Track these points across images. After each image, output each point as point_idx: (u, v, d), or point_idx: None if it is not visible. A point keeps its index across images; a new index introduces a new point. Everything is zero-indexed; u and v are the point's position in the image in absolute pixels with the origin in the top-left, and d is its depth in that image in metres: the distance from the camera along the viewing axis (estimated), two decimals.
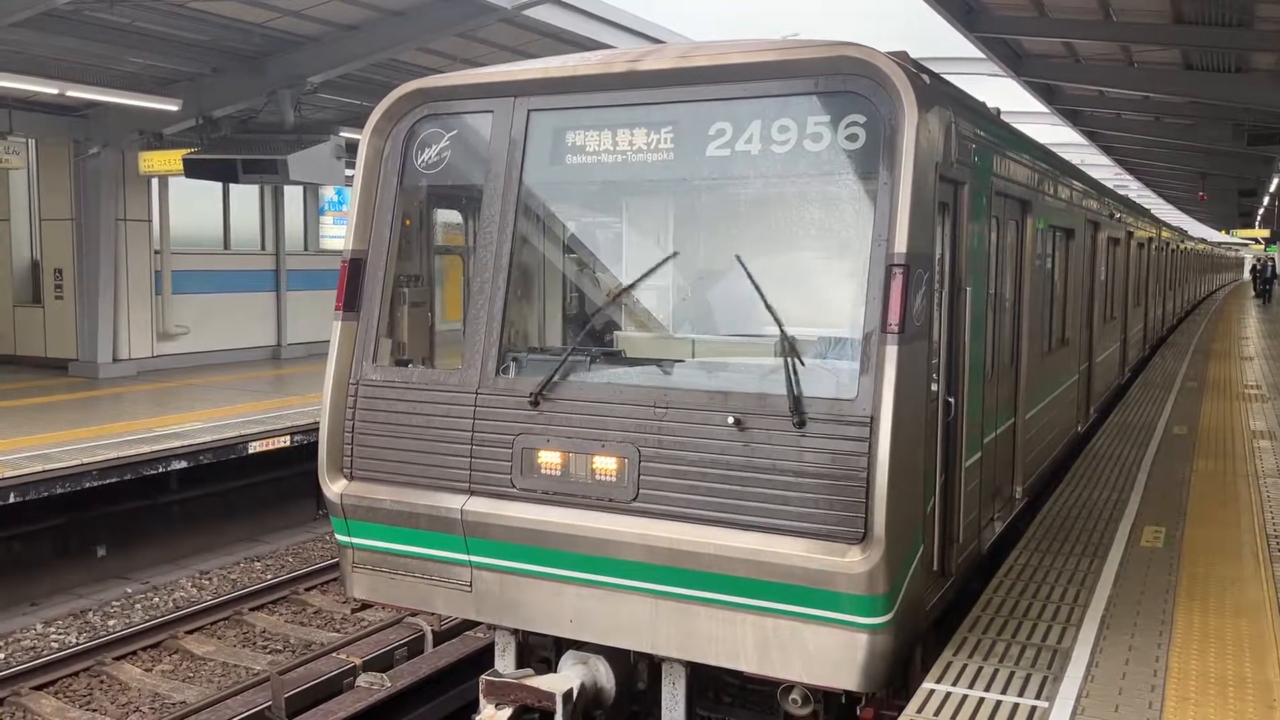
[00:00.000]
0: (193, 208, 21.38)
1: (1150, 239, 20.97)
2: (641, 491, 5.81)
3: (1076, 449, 11.93)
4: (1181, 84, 19.16)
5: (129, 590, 12.79)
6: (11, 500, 11.29)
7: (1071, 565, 7.48)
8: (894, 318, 5.30)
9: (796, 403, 5.45)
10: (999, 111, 8.31)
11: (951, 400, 6.45)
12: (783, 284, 6.30)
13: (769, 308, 5.77)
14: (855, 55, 5.54)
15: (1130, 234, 17.08)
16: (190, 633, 11.15)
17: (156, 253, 20.26)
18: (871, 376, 5.31)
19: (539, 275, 7.56)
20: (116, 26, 14.82)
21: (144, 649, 10.75)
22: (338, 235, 24.47)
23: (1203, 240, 56.66)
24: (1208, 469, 10.70)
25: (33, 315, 20.54)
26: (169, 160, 17.77)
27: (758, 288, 5.87)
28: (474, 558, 6.36)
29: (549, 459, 6.07)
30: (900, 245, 5.34)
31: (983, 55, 18.86)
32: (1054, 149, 11.67)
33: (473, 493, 6.28)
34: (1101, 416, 14.27)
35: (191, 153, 17.07)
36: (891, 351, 5.28)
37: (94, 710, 9.50)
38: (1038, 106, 24.72)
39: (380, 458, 6.60)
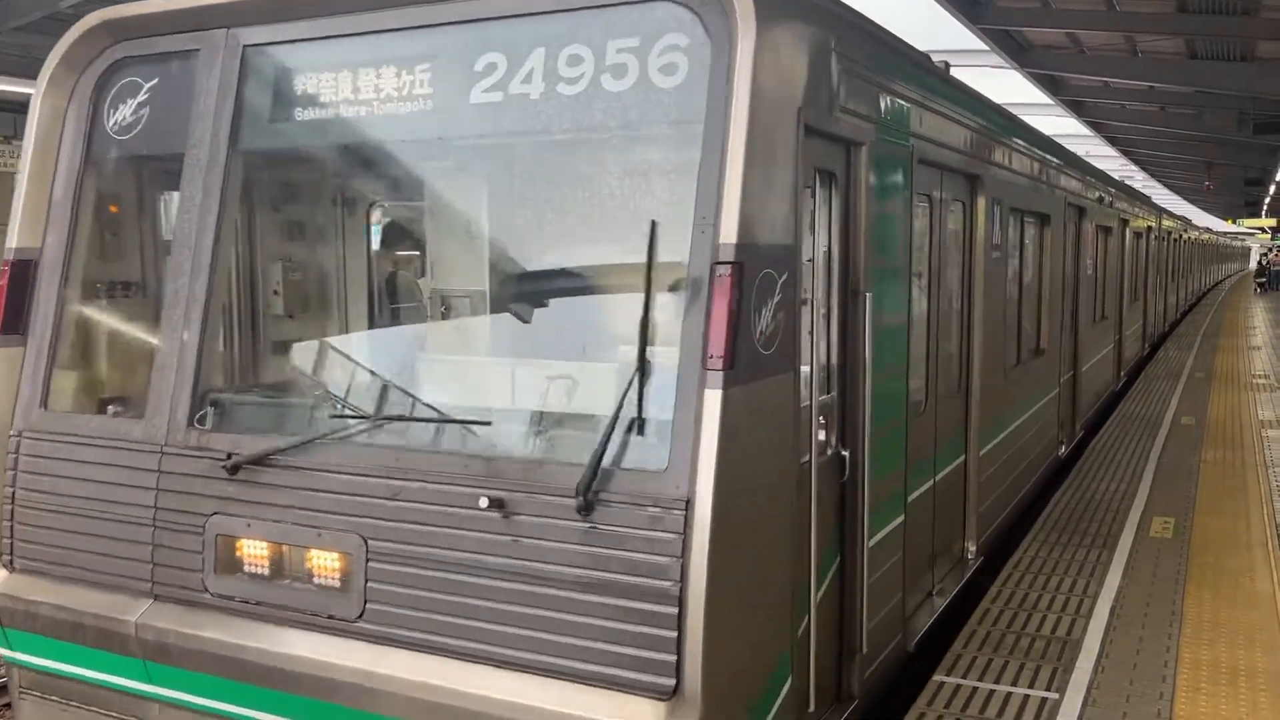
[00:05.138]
0: None
1: (1149, 228, 19.54)
2: (369, 605, 4.08)
3: (1059, 475, 10.41)
4: (1186, 73, 19.18)
5: None
6: None
7: (1081, 556, 7.47)
8: (717, 345, 3.56)
9: (584, 476, 3.67)
10: (948, 66, 6.69)
11: (846, 454, 4.80)
12: (569, 295, 4.90)
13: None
14: None
15: (1125, 222, 15.41)
16: None
17: None
18: (689, 436, 3.57)
19: (255, 281, 5.67)
20: None
21: None
22: None
23: (1207, 230, 56.50)
24: (1216, 459, 10.68)
25: None
26: None
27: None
28: (159, 690, 4.55)
29: (253, 551, 4.32)
30: (729, 233, 3.61)
31: (986, 47, 18.86)
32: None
33: (156, 596, 4.52)
34: (1090, 432, 12.56)
35: None
36: (714, 397, 3.54)
37: None
38: (1042, 98, 24.72)
39: (47, 541, 4.78)
